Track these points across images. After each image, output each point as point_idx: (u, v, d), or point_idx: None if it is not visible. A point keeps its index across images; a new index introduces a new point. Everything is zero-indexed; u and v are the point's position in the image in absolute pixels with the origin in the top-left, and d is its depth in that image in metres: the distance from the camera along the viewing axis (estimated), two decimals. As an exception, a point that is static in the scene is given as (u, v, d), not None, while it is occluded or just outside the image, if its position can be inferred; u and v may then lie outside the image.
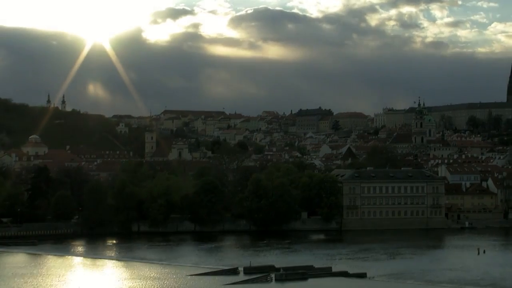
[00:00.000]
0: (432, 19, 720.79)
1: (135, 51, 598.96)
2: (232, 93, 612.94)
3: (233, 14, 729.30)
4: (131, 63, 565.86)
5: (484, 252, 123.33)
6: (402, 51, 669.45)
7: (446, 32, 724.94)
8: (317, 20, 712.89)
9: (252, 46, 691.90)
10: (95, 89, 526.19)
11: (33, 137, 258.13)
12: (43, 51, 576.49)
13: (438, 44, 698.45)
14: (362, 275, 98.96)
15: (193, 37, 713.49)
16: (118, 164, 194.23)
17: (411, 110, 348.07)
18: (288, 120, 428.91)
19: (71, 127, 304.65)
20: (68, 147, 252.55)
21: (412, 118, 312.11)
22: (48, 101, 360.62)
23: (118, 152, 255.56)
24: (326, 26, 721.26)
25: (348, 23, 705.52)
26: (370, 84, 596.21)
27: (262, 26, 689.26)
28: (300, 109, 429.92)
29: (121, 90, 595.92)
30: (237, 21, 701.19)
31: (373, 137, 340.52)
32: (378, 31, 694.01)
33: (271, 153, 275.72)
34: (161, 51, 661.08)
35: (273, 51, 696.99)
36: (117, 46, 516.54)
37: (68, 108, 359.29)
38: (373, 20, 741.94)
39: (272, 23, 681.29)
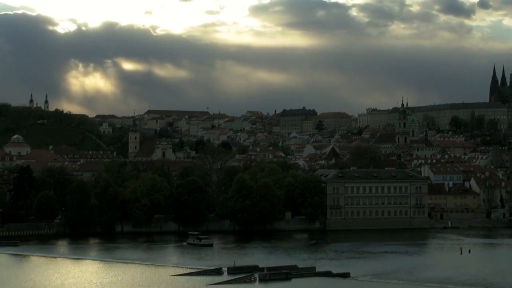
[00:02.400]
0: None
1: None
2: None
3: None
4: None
5: (469, 251, 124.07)
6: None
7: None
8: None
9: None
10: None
11: (16, 137, 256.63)
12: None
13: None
14: (345, 275, 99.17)
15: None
16: (102, 164, 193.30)
17: (395, 110, 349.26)
18: (272, 120, 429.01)
19: (54, 127, 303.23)
20: (51, 147, 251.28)
21: (396, 118, 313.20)
22: (31, 101, 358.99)
23: (101, 152, 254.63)
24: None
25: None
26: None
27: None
28: (284, 109, 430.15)
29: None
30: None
31: (357, 137, 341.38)
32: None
33: (255, 153, 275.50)
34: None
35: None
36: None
37: (51, 108, 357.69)
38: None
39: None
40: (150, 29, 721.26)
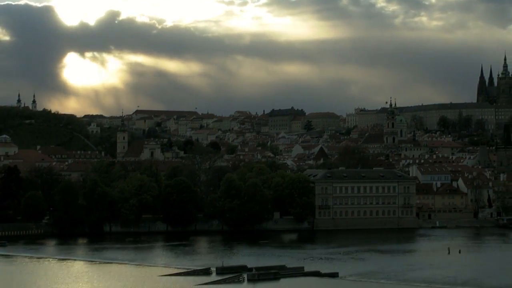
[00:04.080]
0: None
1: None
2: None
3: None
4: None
5: (459, 252, 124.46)
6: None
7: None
8: None
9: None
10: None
11: (3, 137, 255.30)
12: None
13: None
14: (334, 275, 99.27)
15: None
16: (90, 164, 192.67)
17: (383, 110, 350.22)
18: (260, 120, 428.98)
19: (41, 127, 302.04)
20: (38, 147, 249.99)
21: (384, 119, 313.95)
22: (19, 101, 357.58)
23: (89, 152, 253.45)
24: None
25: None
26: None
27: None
28: (273, 109, 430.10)
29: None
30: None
31: (345, 137, 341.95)
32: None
33: (244, 153, 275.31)
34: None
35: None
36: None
37: (39, 108, 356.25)
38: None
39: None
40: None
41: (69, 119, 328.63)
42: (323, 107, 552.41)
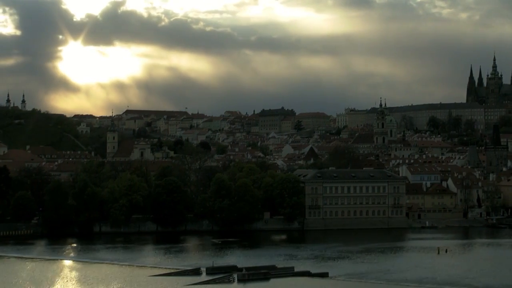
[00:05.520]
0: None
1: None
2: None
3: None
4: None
5: (446, 251, 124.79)
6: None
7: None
8: None
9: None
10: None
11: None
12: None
13: None
14: (324, 275, 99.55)
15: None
16: (80, 164, 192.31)
17: (373, 110, 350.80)
18: (250, 120, 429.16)
19: (31, 127, 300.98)
20: (28, 147, 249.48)
21: (374, 119, 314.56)
22: (8, 101, 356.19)
23: (79, 152, 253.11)
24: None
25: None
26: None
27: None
28: (263, 109, 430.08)
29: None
30: None
31: (335, 137, 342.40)
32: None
33: (234, 153, 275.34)
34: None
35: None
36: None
37: (29, 108, 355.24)
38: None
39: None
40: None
41: (58, 119, 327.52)
42: (313, 107, 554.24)
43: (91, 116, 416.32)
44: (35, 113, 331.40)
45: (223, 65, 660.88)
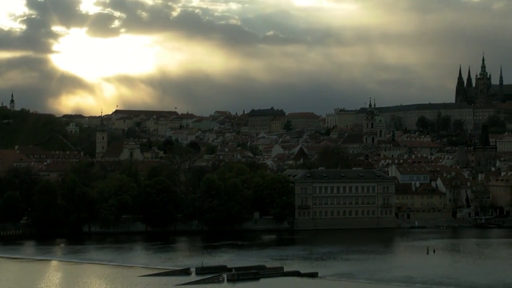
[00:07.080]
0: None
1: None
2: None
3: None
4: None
5: (434, 251, 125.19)
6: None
7: None
8: None
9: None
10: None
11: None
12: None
13: None
14: (313, 275, 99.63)
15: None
16: (69, 164, 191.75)
17: (362, 110, 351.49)
18: (240, 120, 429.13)
19: (20, 126, 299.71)
20: (17, 147, 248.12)
21: (363, 119, 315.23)
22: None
23: (68, 152, 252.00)
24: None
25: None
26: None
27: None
28: (252, 109, 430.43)
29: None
30: None
31: (325, 137, 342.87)
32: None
33: (223, 153, 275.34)
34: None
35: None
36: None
37: (17, 108, 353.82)
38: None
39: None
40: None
41: (47, 119, 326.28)
42: (303, 107, 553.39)
43: (80, 116, 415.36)
44: (23, 113, 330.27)
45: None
